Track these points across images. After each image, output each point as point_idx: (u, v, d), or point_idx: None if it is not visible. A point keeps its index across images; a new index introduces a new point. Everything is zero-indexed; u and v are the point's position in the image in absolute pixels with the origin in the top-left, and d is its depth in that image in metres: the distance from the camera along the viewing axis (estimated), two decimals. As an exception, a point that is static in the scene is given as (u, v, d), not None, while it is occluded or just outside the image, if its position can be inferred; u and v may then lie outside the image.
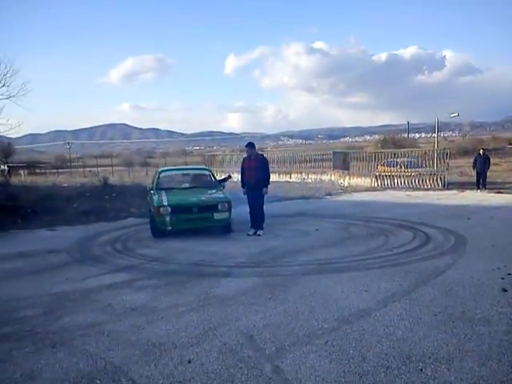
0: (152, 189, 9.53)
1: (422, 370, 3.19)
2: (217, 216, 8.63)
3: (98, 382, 3.17)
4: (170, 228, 8.56)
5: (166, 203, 8.49)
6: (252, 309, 4.56)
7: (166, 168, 12.36)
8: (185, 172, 11.27)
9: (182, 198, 8.91)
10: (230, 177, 10.94)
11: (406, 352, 3.47)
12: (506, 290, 4.88)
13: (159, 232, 8.65)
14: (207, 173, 10.78)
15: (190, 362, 3.42)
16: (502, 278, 5.33)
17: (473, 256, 6.56)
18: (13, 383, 3.20)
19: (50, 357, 3.59)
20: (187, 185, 9.93)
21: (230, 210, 8.73)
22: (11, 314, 4.65)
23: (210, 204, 8.70)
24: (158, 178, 9.90)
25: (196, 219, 8.65)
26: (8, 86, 14.70)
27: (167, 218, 8.42)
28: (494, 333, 3.78)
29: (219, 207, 8.62)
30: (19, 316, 4.57)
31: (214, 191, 9.39)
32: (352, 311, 4.41)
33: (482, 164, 17.44)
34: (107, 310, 4.66)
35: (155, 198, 8.85)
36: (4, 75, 14.49)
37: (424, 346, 3.57)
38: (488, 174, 17.90)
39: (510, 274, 5.46)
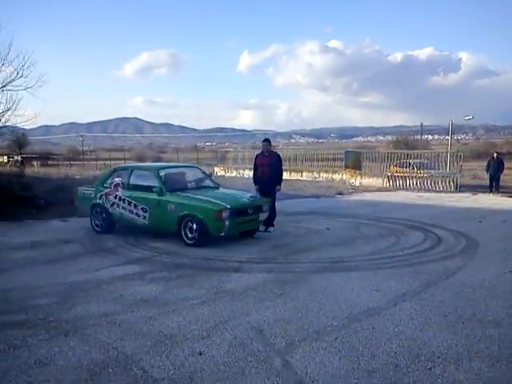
0: (160, 190, 7.77)
1: (430, 369, 3.21)
2: (261, 216, 8.13)
3: (110, 370, 3.23)
4: (222, 234, 7.47)
5: (227, 206, 7.34)
6: (262, 304, 4.60)
7: (161, 165, 10.34)
8: (181, 170, 9.33)
9: (233, 199, 7.91)
10: (211, 174, 11.14)
11: (415, 351, 3.48)
12: (517, 294, 4.88)
13: (208, 240, 7.43)
14: (200, 170, 9.71)
15: (200, 354, 3.47)
16: (514, 282, 5.32)
17: (484, 259, 6.54)
18: (27, 369, 3.26)
19: (63, 345, 3.65)
20: (194, 184, 8.68)
21: (268, 210, 8.36)
22: (25, 301, 4.73)
23: (259, 204, 8.02)
24: (159, 176, 8.08)
25: (247, 222, 7.84)
26: (26, 77, 14.81)
27: (226, 223, 7.32)
28: (503, 335, 3.79)
29: (263, 208, 8.10)
30: (33, 304, 4.65)
31: (227, 190, 8.94)
32: (362, 309, 4.43)
33: (496, 168, 17.31)
34: (119, 301, 4.72)
35: (188, 201, 7.56)
36: (22, 66, 14.61)
37: (433, 345, 3.58)
38: (501, 177, 17.77)
39: (521, 278, 5.45)
